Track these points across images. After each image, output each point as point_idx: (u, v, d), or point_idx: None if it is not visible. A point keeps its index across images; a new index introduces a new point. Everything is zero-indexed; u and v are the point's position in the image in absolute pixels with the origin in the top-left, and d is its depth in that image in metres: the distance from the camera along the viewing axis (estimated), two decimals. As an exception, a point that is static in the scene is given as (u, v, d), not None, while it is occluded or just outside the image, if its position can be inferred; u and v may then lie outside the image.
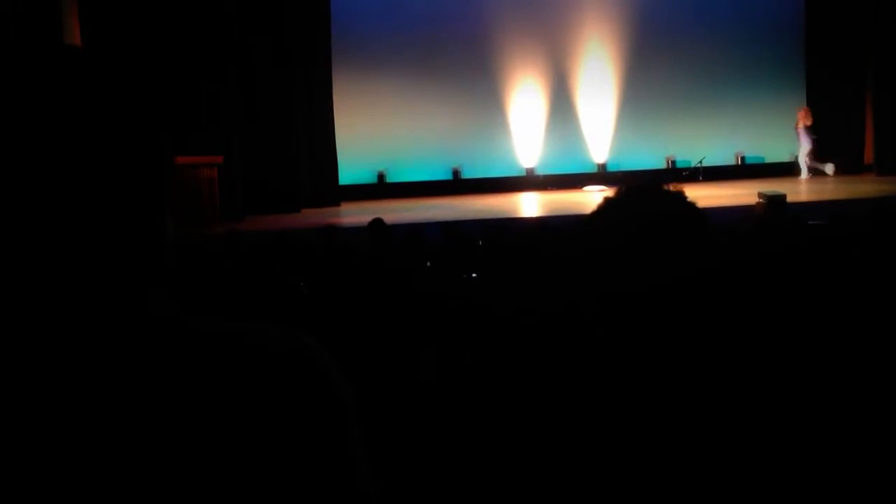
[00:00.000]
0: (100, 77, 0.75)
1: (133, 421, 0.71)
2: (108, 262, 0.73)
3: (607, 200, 1.22)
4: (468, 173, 14.25)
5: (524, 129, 14.19)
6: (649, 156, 13.46)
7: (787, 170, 14.11)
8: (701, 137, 13.33)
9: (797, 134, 13.80)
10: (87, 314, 0.73)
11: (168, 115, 0.81)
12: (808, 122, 13.72)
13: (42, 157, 0.70)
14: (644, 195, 1.22)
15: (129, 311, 0.74)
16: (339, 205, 12.88)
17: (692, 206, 1.22)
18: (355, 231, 7.77)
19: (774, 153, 14.48)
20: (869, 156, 14.71)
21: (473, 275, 4.64)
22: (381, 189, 13.95)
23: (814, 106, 14.52)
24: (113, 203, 0.73)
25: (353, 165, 13.80)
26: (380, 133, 13.92)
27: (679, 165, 14.12)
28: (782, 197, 9.45)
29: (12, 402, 0.69)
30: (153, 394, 0.72)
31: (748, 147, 14.24)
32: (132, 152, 0.75)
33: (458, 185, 14.09)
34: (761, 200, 9.42)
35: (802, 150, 13.79)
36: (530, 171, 14.40)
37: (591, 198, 11.87)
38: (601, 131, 14.55)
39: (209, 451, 0.71)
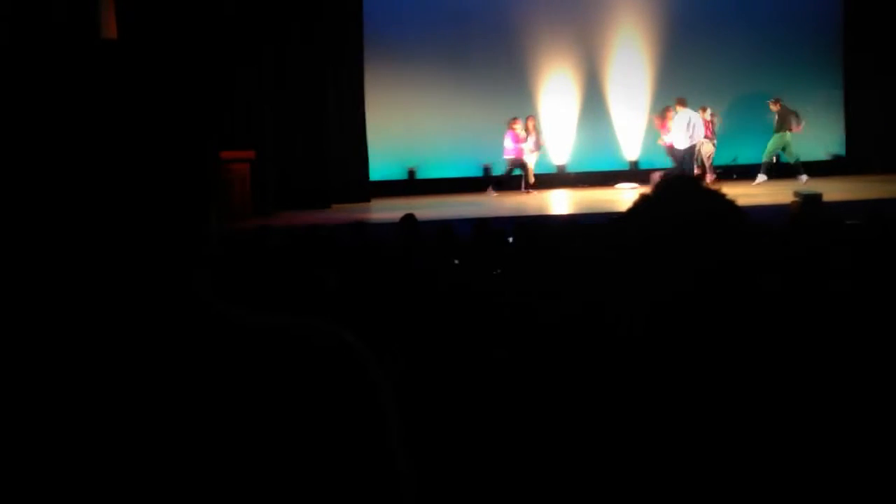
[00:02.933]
0: (147, 72, 0.76)
1: (176, 407, 0.72)
2: (156, 254, 0.75)
3: (644, 197, 1.19)
4: (499, 170, 14.22)
5: (555, 126, 14.12)
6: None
7: (824, 169, 13.89)
8: (735, 136, 13.16)
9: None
10: (136, 305, 0.74)
11: (212, 109, 0.82)
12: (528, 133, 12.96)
13: (90, 151, 0.71)
14: (682, 192, 1.19)
15: (177, 303, 0.76)
16: (369, 201, 12.92)
17: (731, 203, 1.19)
18: (385, 227, 7.78)
19: (810, 152, 14.25)
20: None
21: (499, 271, 4.62)
22: (412, 185, 13.96)
23: (853, 104, 14.25)
24: (161, 196, 0.74)
25: (383, 162, 13.83)
26: (410, 129, 13.93)
27: (712, 164, 13.96)
28: (818, 196, 9.28)
29: (59, 384, 0.71)
30: (198, 382, 0.73)
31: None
32: (178, 145, 0.76)
33: (488, 183, 14.06)
34: (797, 199, 9.26)
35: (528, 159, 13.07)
36: (561, 169, 14.32)
37: (624, 195, 11.77)
38: (633, 129, 14.42)
39: (248, 441, 0.72)
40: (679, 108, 12.61)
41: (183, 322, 0.75)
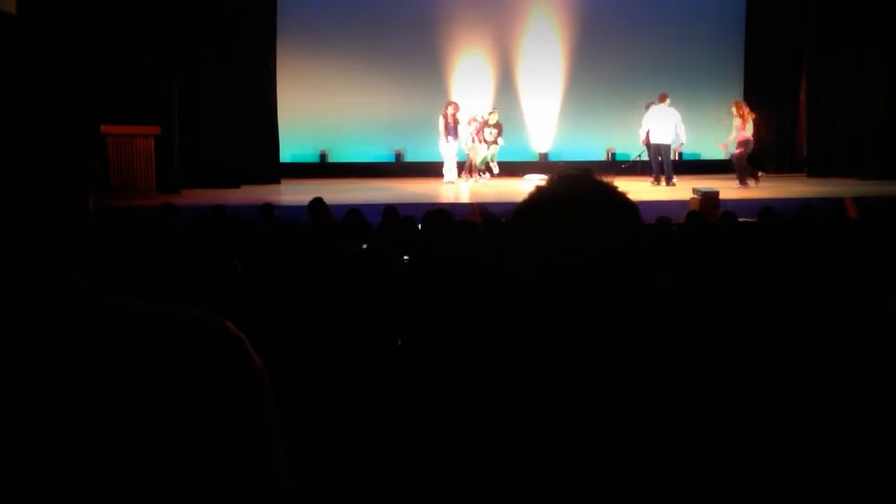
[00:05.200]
0: (21, 46, 0.72)
1: (43, 398, 0.69)
2: (24, 242, 0.70)
3: (539, 189, 1.23)
4: (411, 156, 14.22)
5: (467, 115, 14.20)
6: (590, 147, 13.65)
7: (723, 167, 14.46)
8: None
9: (478, 134, 12.91)
10: (4, 295, 0.70)
11: (97, 87, 0.78)
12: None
13: None
14: (575, 184, 1.24)
15: (44, 292, 0.72)
16: (279, 182, 12.73)
17: (622, 195, 1.24)
18: (294, 209, 7.69)
19: (711, 150, 14.81)
20: (800, 156, 15.18)
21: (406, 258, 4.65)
22: (323, 168, 13.83)
23: (750, 105, 14.88)
24: (28, 178, 0.70)
25: (295, 143, 13.64)
26: (323, 112, 13.78)
27: (619, 158, 14.34)
28: (715, 194, 9.70)
29: None
30: (68, 374, 0.70)
31: (686, 143, 14.52)
32: (48, 126, 0.72)
33: (400, 168, 14.06)
34: (695, 196, 9.65)
35: (483, 151, 13.12)
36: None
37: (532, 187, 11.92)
38: (544, 121, 14.66)
39: (119, 431, 0.70)
40: (663, 104, 12.59)
41: (54, 313, 0.72)
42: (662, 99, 12.57)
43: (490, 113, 13.09)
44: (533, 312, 1.10)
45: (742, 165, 12.42)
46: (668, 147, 12.52)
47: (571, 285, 1.10)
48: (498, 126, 12.99)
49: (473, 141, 13.05)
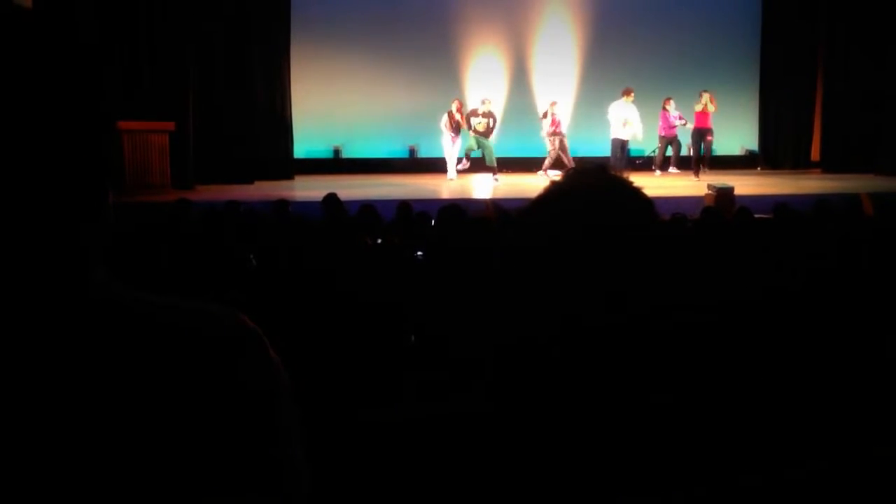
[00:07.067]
0: (38, 41, 0.72)
1: (63, 396, 0.69)
2: (47, 238, 0.71)
3: (553, 184, 1.22)
4: (425, 152, 14.22)
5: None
6: (605, 143, 13.57)
7: (738, 162, 14.40)
8: (656, 128, 13.49)
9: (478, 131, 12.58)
10: (23, 292, 0.71)
11: (114, 83, 0.78)
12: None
13: None
14: (590, 179, 1.23)
15: (68, 289, 0.73)
16: (292, 178, 12.77)
17: (638, 190, 1.23)
18: (308, 205, 7.71)
19: (726, 146, 14.74)
20: (816, 153, 15.08)
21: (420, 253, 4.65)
22: (337, 164, 13.85)
23: (767, 102, 14.79)
24: (49, 174, 0.70)
25: (309, 139, 13.67)
26: (337, 108, 13.80)
27: (633, 154, 14.27)
28: (730, 189, 9.64)
29: None
30: (87, 371, 0.71)
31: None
32: (69, 121, 0.72)
33: (414, 164, 14.05)
34: (710, 192, 9.60)
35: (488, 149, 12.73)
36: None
37: (547, 182, 11.89)
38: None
39: (131, 423, 0.70)
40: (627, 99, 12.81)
41: (75, 309, 0.72)
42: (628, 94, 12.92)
43: (482, 102, 12.86)
44: (536, 294, 1.09)
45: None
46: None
47: (581, 269, 1.09)
48: (487, 115, 12.64)
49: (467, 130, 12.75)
